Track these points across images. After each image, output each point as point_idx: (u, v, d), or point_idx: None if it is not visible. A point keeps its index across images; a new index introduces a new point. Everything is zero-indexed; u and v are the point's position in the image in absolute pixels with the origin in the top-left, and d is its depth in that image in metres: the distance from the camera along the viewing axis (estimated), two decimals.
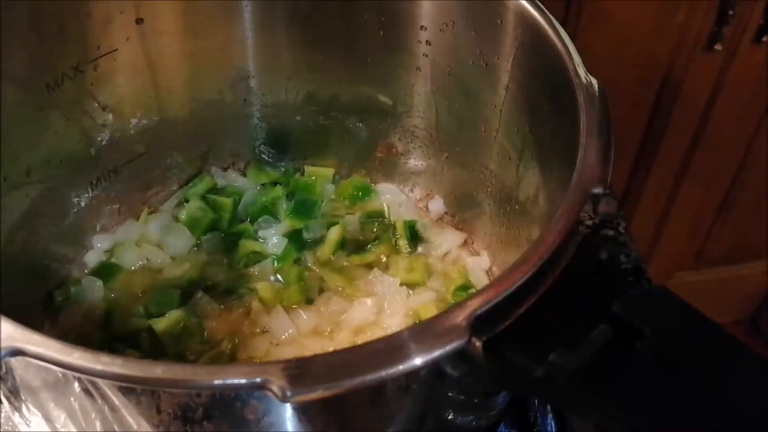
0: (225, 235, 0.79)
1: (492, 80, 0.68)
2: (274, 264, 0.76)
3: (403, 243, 0.79)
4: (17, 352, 0.41)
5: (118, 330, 0.71)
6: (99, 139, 0.73)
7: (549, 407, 0.68)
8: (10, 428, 0.63)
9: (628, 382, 0.42)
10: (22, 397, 0.52)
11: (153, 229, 0.79)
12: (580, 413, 0.63)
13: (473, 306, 0.42)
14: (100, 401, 0.46)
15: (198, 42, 0.75)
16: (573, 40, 0.58)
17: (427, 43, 0.72)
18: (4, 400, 0.54)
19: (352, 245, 0.78)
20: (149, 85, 0.75)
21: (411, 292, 0.75)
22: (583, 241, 0.47)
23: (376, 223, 0.81)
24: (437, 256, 0.79)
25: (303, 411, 0.46)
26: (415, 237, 0.79)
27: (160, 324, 0.70)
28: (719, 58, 1.17)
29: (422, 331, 0.42)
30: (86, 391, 0.45)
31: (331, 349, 0.67)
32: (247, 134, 0.84)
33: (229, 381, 0.40)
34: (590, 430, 0.67)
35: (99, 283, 0.74)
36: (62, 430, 0.52)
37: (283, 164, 0.85)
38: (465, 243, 0.80)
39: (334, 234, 0.78)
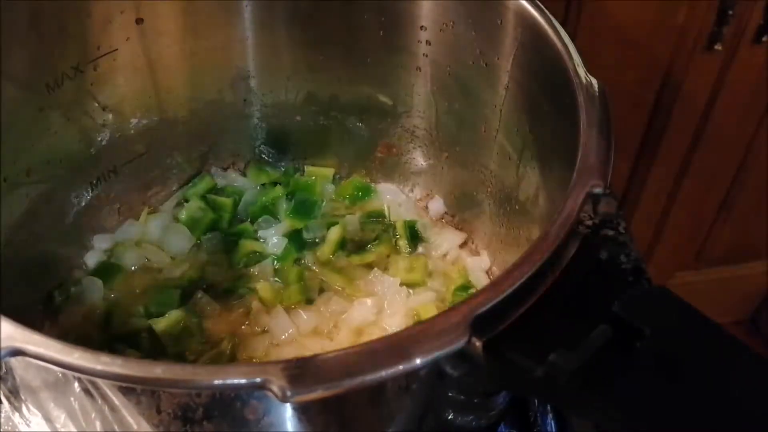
0: (225, 235, 0.79)
1: (492, 80, 0.68)
2: (274, 264, 0.76)
3: (403, 243, 0.79)
4: (17, 352, 0.41)
5: (118, 330, 0.71)
6: (99, 139, 0.73)
7: (549, 407, 0.68)
8: (10, 428, 0.63)
9: (628, 382, 0.42)
10: (22, 397, 0.52)
11: (153, 229, 0.79)
12: (580, 413, 0.63)
13: (473, 306, 0.42)
14: (100, 401, 0.46)
15: (198, 42, 0.75)
16: (573, 40, 0.58)
17: (427, 43, 0.72)
18: (4, 400, 0.54)
19: (352, 245, 0.78)
20: (149, 85, 0.75)
21: (411, 292, 0.75)
22: (583, 241, 0.47)
23: (376, 223, 0.81)
24: (437, 256, 0.79)
25: (303, 411, 0.46)
26: (415, 237, 0.79)
27: (160, 324, 0.70)
28: (719, 58, 1.17)
29: (422, 331, 0.42)
30: (86, 391, 0.45)
31: (330, 349, 0.67)
32: (247, 134, 0.84)
33: (229, 381, 0.40)
34: (590, 430, 0.67)
35: (99, 283, 0.74)
36: (62, 430, 0.51)
37: (283, 164, 0.85)
38: (465, 243, 0.80)
39: (334, 234, 0.78)
